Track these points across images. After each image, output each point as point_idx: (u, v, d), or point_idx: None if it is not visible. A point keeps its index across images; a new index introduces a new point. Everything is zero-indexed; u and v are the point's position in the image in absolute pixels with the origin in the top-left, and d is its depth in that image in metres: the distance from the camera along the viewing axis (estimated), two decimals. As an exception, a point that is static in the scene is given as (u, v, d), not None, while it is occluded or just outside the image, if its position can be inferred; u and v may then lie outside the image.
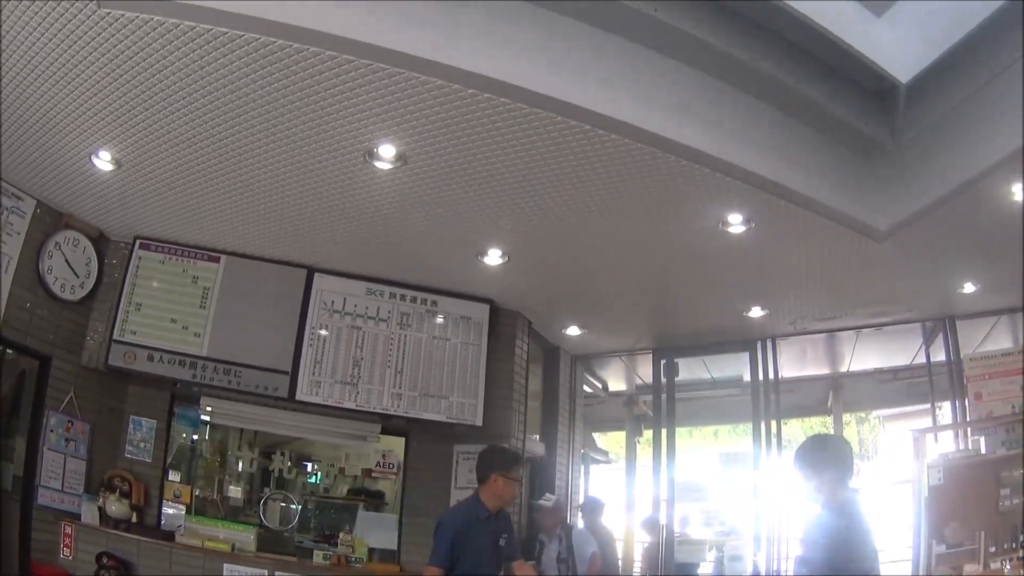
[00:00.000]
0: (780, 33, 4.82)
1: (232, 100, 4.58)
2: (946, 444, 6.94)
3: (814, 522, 3.82)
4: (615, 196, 5.45)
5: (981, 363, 6.55)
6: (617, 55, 4.58)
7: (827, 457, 3.85)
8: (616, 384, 12.15)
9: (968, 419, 6.69)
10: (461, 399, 7.30)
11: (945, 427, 7.59)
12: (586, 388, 11.30)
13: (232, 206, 6.03)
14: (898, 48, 4.92)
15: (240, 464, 7.93)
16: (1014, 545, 5.36)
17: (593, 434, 14.41)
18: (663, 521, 8.89)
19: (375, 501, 7.79)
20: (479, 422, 7.28)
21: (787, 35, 4.83)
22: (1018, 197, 5.33)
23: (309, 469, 8.34)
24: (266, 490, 7.88)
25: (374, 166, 5.08)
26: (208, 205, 6.05)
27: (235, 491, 7.74)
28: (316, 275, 7.05)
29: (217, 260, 6.86)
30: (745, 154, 5.02)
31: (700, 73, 4.86)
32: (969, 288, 7.13)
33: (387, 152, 4.93)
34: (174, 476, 7.12)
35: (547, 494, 7.66)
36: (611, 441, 15.95)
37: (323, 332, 7.02)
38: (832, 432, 11.74)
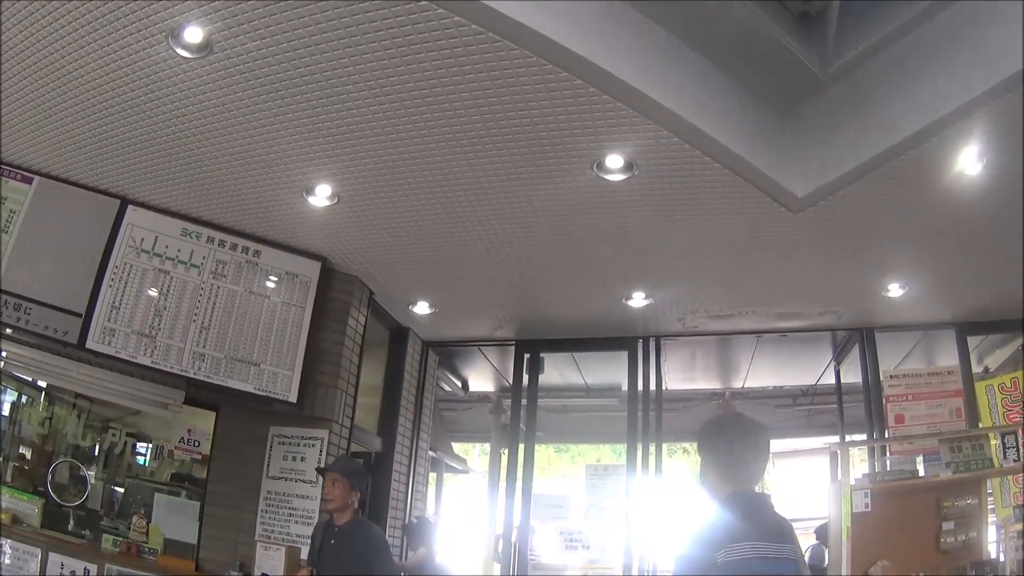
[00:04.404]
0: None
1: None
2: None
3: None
4: (465, 113, 4.61)
5: (904, 381, 6.32)
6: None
7: (713, 434, 3.19)
8: (478, 384, 11.48)
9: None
10: (275, 369, 6.65)
11: (865, 442, 7.24)
12: (444, 387, 10.76)
13: (46, 113, 5.37)
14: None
15: (66, 436, 7.26)
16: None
17: (455, 444, 14.11)
18: (515, 539, 8.20)
19: (199, 489, 7.15)
20: (293, 398, 6.59)
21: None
22: (968, 169, 4.72)
23: (138, 449, 7.68)
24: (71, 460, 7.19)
25: (177, 53, 4.38)
26: (26, 111, 5.39)
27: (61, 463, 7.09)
28: (130, 208, 6.45)
29: (30, 181, 6.28)
30: (636, 74, 4.26)
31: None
32: (895, 290, 6.59)
33: (192, 36, 4.27)
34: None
35: None
36: (485, 458, 15.36)
37: (126, 272, 6.47)
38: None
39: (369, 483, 6.43)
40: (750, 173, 4.85)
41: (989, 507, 5.56)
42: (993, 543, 5.42)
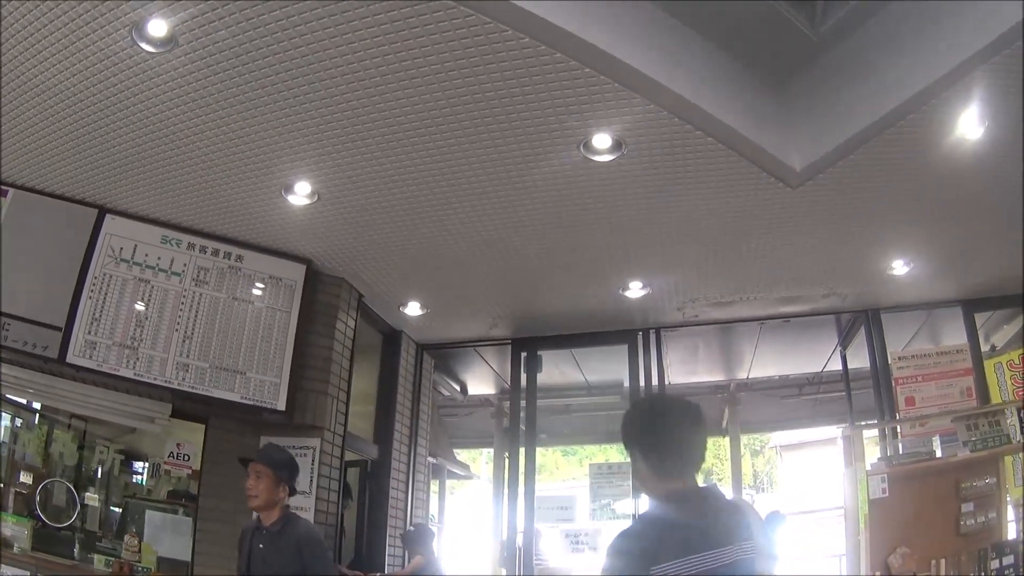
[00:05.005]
0: None
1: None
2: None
3: None
4: (443, 96, 4.44)
5: (913, 363, 6.27)
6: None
7: (634, 424, 2.75)
8: (478, 387, 11.31)
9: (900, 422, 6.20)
10: (261, 376, 6.53)
11: (878, 424, 6.94)
12: (443, 391, 10.59)
13: (16, 123, 5.26)
14: None
15: (62, 457, 7.13)
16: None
17: (459, 450, 13.83)
18: (520, 543, 7.95)
19: (195, 505, 7.05)
20: (281, 406, 6.52)
21: None
22: (969, 133, 4.54)
23: (135, 467, 7.60)
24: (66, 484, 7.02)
25: (142, 48, 4.27)
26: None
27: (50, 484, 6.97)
28: (107, 217, 6.40)
29: (4, 194, 6.17)
30: (620, 45, 4.11)
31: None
32: (900, 268, 6.42)
33: (156, 29, 4.14)
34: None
35: None
36: (492, 464, 15.27)
37: (105, 283, 6.36)
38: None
39: (298, 475, 5.52)
40: (745, 147, 4.68)
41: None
42: (1011, 522, 5.30)
